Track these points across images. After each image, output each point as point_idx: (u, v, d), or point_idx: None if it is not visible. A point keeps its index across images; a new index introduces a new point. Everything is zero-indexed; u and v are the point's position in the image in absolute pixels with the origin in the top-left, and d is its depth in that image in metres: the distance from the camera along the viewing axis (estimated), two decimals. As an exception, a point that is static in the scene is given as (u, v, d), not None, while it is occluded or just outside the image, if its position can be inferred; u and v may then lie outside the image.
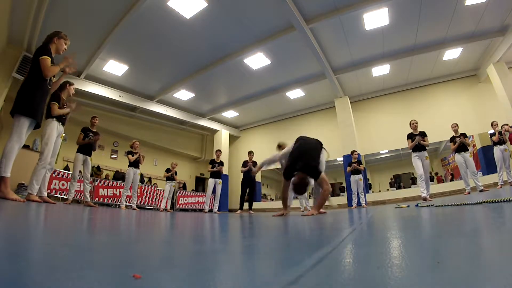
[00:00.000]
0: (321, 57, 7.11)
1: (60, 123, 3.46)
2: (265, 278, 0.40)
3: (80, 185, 5.74)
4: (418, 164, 5.10)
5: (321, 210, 2.95)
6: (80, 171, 4.75)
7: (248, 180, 7.05)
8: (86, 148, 4.71)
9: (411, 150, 5.31)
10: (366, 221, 1.60)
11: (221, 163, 7.25)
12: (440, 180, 11.08)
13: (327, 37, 6.68)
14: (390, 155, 11.61)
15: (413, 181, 11.93)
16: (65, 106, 3.55)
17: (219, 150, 7.67)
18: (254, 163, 7.04)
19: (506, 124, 6.10)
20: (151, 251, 0.68)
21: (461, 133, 5.72)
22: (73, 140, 7.98)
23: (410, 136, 5.32)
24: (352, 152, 7.39)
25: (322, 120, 10.73)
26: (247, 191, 7.13)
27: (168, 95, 9.30)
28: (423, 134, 5.24)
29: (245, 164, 7.13)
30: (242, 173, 7.13)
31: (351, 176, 7.27)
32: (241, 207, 7.02)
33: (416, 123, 5.32)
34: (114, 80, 8.28)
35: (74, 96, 3.89)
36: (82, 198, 4.75)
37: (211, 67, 7.69)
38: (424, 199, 4.81)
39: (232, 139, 12.83)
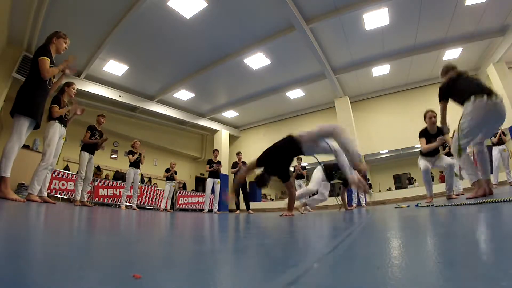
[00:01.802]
0: (321, 57, 7.11)
1: (62, 125, 3.47)
2: (265, 278, 0.40)
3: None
4: (426, 168, 3.89)
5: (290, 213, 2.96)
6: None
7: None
8: (91, 147, 4.65)
9: (420, 153, 4.05)
10: (366, 221, 1.60)
11: (219, 163, 7.27)
12: (443, 179, 11.08)
13: (327, 37, 6.68)
14: (390, 155, 11.61)
15: (410, 181, 11.95)
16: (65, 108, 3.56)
17: (217, 150, 7.71)
18: (244, 164, 7.15)
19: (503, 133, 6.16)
20: (151, 251, 0.68)
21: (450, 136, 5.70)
22: (74, 140, 8.02)
23: (425, 135, 3.89)
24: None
25: (322, 120, 10.71)
26: (240, 191, 7.21)
27: (168, 95, 9.31)
28: (441, 132, 3.68)
29: (234, 165, 7.19)
30: (233, 174, 7.20)
31: (351, 176, 7.27)
32: (237, 207, 7.09)
33: (435, 116, 3.79)
34: (114, 80, 8.28)
35: (74, 95, 3.89)
36: (73, 196, 4.67)
37: (211, 67, 7.70)
38: (449, 197, 3.68)
39: (232, 139, 12.83)
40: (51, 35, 2.95)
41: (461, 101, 2.62)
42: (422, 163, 3.97)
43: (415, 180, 11.69)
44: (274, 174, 2.88)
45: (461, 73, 2.79)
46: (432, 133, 3.82)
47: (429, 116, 3.83)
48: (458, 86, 2.71)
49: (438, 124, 3.55)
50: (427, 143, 3.80)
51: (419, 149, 4.13)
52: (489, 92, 2.41)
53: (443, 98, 2.88)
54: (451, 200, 3.18)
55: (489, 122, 2.50)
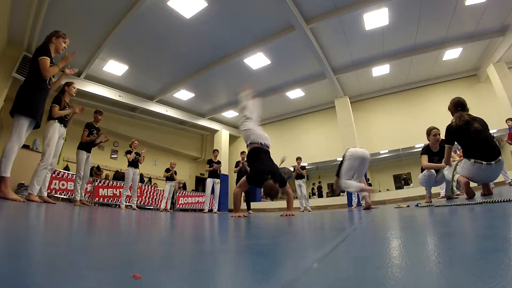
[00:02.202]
0: (321, 57, 7.11)
1: (62, 125, 3.46)
2: (265, 278, 0.40)
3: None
4: (431, 173, 3.75)
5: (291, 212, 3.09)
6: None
7: None
8: (88, 145, 4.58)
9: (421, 170, 3.91)
10: (366, 221, 1.60)
11: (219, 163, 7.27)
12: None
13: (327, 37, 6.69)
14: (390, 155, 11.63)
15: (406, 182, 11.99)
16: (66, 108, 3.55)
17: (217, 150, 7.72)
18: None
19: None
20: (151, 251, 0.68)
21: (441, 139, 5.66)
22: (74, 140, 8.03)
23: (427, 152, 3.75)
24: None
25: (322, 120, 10.73)
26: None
27: (168, 95, 9.31)
28: (443, 150, 3.34)
29: (237, 164, 7.17)
30: (236, 174, 7.17)
31: (351, 176, 7.26)
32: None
33: (439, 134, 3.66)
34: (114, 80, 8.28)
35: (75, 95, 3.88)
36: (73, 196, 4.63)
37: (211, 67, 7.70)
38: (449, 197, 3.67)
39: (232, 139, 12.83)
40: (50, 34, 2.93)
41: (462, 151, 2.82)
42: (427, 179, 3.81)
43: (410, 181, 11.74)
44: (276, 180, 2.84)
45: (469, 122, 2.76)
46: (435, 151, 3.72)
47: (434, 133, 3.68)
48: (465, 138, 2.78)
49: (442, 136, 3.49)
50: (429, 161, 3.70)
51: (421, 146, 4.12)
52: (489, 158, 2.56)
53: (450, 142, 2.95)
54: (451, 200, 3.18)
55: (482, 179, 2.75)
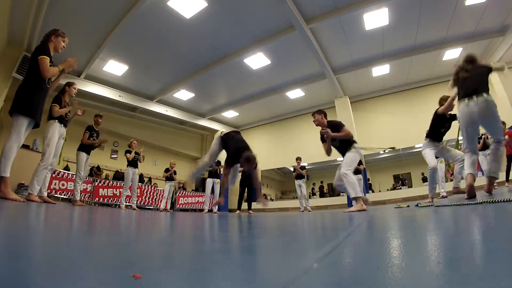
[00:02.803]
0: (321, 57, 7.11)
1: (62, 125, 3.47)
2: (265, 278, 0.40)
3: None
4: (435, 166, 3.93)
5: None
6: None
7: (247, 180, 7.07)
8: (88, 147, 4.70)
9: (426, 137, 4.02)
10: (366, 221, 1.60)
11: (219, 163, 7.27)
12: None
13: (327, 37, 6.68)
14: (390, 155, 11.63)
15: (403, 182, 12.00)
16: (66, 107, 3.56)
17: None
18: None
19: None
20: (151, 251, 0.68)
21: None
22: (74, 140, 8.02)
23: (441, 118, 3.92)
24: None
25: (322, 120, 10.73)
26: (245, 191, 7.16)
27: (168, 95, 9.30)
28: (454, 117, 3.72)
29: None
30: (240, 173, 7.15)
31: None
32: (239, 207, 7.05)
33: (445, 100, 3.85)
34: (114, 80, 8.28)
35: (75, 95, 3.89)
36: (73, 196, 4.69)
37: (211, 67, 7.69)
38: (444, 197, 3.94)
39: (232, 139, 12.84)
40: (49, 33, 2.92)
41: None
42: (431, 157, 3.90)
43: (407, 182, 11.74)
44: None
45: (461, 68, 2.95)
46: (448, 118, 3.91)
47: (450, 99, 3.83)
48: (456, 84, 3.01)
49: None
50: (441, 127, 3.88)
51: (420, 147, 4.20)
52: (472, 94, 2.63)
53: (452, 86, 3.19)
54: (451, 200, 3.19)
55: (473, 120, 2.73)
